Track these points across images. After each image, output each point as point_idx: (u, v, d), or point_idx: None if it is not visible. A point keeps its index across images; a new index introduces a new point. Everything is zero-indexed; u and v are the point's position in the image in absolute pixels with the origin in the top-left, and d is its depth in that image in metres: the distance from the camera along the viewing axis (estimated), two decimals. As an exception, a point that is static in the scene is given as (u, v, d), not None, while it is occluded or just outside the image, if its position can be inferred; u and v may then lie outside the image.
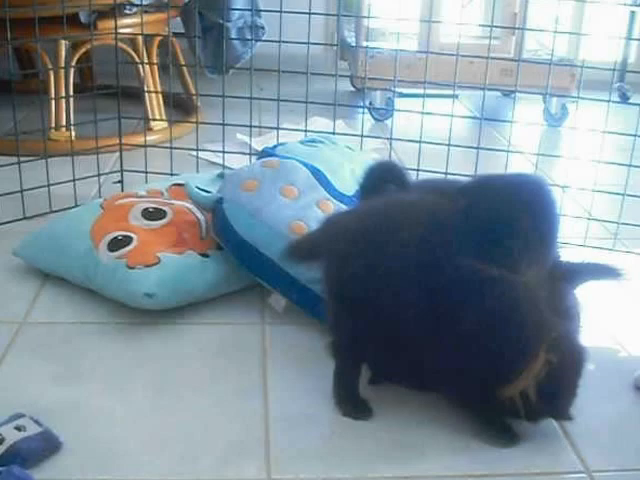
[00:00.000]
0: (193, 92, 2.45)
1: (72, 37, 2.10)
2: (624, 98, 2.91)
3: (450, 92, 1.76)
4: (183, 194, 1.52)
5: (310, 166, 1.46)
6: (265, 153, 1.57)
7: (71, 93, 2.16)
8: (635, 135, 1.61)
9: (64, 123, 2.12)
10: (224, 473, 0.99)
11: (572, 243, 1.63)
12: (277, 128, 1.83)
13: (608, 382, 1.23)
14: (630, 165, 1.63)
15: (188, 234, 1.43)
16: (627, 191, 1.64)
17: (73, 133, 2.08)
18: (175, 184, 1.61)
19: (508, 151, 1.70)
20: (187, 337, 1.30)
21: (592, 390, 1.20)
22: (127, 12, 2.17)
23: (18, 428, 1.00)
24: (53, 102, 2.13)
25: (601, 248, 1.66)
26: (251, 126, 1.82)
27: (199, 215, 1.47)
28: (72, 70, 2.17)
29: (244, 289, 1.43)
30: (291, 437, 1.06)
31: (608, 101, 1.59)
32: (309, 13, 1.69)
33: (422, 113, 1.70)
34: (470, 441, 1.07)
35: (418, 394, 1.15)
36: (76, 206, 1.66)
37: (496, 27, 1.64)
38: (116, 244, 1.37)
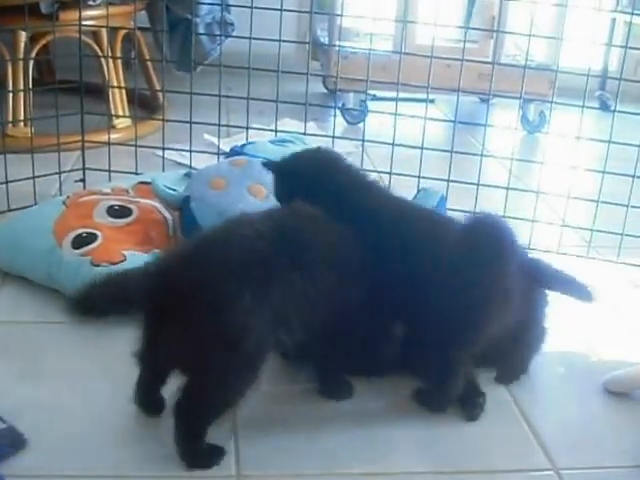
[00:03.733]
0: (158, 89, 2.50)
1: (33, 28, 2.14)
2: (605, 106, 3.01)
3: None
4: (149, 192, 1.60)
5: (280, 165, 1.54)
6: (233, 152, 1.65)
7: (30, 87, 2.21)
8: (609, 142, 1.72)
9: (22, 118, 2.17)
10: (193, 470, 1.06)
11: (546, 250, 1.73)
12: (246, 127, 1.90)
13: (579, 385, 1.33)
14: (604, 172, 1.74)
15: (155, 233, 1.50)
16: (602, 198, 1.75)
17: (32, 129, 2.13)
18: (141, 182, 1.69)
19: (482, 155, 1.80)
20: (153, 337, 1.37)
21: (563, 392, 1.31)
22: (91, 4, 2.22)
23: (-19, 424, 1.06)
24: (10, 96, 2.18)
25: (576, 255, 1.77)
26: (219, 125, 1.88)
27: (166, 214, 1.55)
28: (31, 63, 2.22)
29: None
30: (260, 435, 1.14)
31: (582, 107, 1.71)
32: (280, 10, 1.78)
33: (395, 115, 1.80)
34: (438, 438, 1.15)
35: (387, 392, 1.24)
36: (36, 204, 1.72)
37: (471, 29, 1.74)
38: (80, 241, 1.44)
